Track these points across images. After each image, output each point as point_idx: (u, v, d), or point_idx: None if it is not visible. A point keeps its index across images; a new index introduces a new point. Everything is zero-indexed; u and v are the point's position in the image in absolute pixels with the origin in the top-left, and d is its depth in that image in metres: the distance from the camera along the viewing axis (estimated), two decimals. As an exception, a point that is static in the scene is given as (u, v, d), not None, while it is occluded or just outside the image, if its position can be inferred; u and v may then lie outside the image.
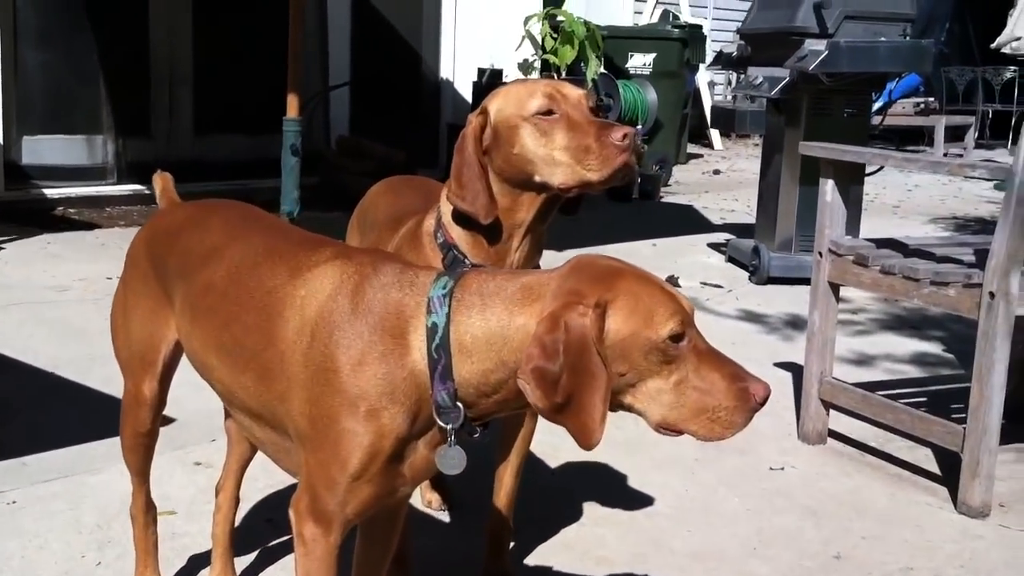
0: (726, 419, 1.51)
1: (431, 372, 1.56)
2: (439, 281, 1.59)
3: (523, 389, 1.49)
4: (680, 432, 1.53)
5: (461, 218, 2.09)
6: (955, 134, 13.43)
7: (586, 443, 1.49)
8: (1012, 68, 13.58)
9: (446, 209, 2.12)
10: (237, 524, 2.41)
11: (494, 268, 2.03)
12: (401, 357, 1.57)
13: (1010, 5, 11.67)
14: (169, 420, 3.25)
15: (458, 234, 2.11)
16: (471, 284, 1.58)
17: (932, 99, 14.14)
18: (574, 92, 2.06)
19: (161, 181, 2.21)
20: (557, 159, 2.01)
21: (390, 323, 1.58)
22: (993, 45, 12.94)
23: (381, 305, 1.60)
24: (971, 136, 13.36)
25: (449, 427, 1.58)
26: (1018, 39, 12.44)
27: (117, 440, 2.16)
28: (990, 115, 14.51)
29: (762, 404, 1.51)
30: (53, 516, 2.71)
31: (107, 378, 2.21)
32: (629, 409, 1.55)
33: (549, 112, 2.01)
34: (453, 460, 1.61)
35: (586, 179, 2.00)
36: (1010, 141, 12.64)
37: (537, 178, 2.03)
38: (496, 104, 2.07)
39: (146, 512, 2.22)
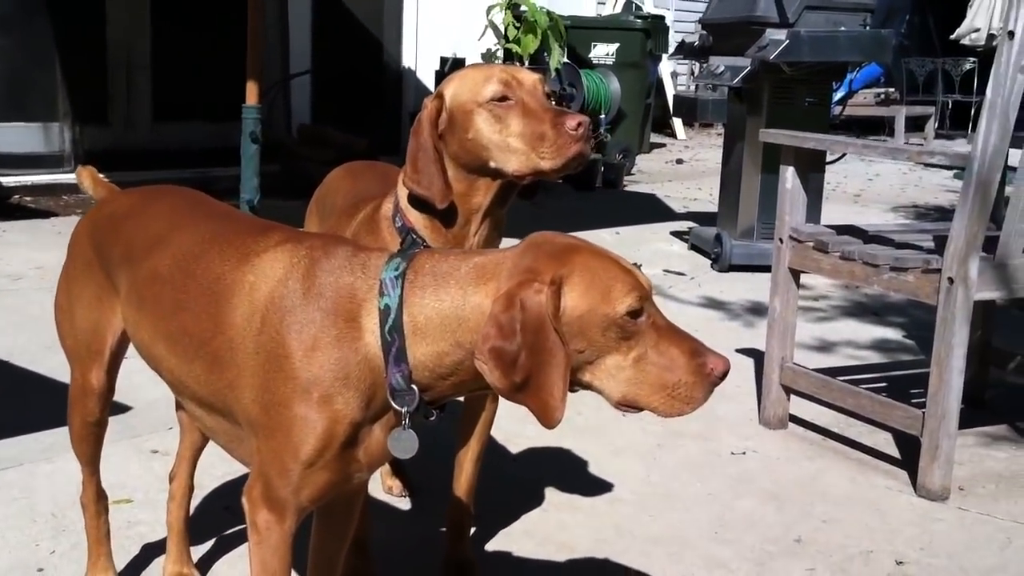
0: (686, 394, 1.49)
1: (385, 355, 1.53)
2: (391, 263, 1.57)
3: (481, 369, 1.46)
4: (640, 408, 1.51)
5: (418, 202, 2.07)
6: (916, 124, 13.55)
7: (548, 421, 1.47)
8: (971, 59, 13.72)
9: (403, 193, 2.10)
10: (194, 512, 2.38)
11: (448, 248, 2.01)
12: (354, 341, 1.54)
13: (969, -3, 11.80)
14: (125, 408, 3.21)
15: (416, 218, 2.08)
16: (424, 265, 1.55)
17: (893, 89, 14.26)
18: (529, 78, 2.04)
19: (87, 174, 2.16)
20: (511, 146, 1.98)
21: (342, 306, 1.55)
22: (953, 36, 13.07)
23: (333, 288, 1.57)
24: (931, 126, 13.49)
25: (404, 410, 1.56)
26: (977, 30, 12.58)
27: (69, 429, 2.13)
28: (950, 105, 14.66)
29: (721, 379, 1.51)
30: (7, 505, 2.66)
31: (62, 366, 2.18)
32: (588, 387, 1.53)
33: (504, 98, 1.99)
34: (405, 444, 1.58)
35: (539, 167, 1.98)
36: (969, 130, 12.76)
37: (491, 164, 2.01)
38: (451, 89, 2.05)
39: (97, 501, 2.18)
